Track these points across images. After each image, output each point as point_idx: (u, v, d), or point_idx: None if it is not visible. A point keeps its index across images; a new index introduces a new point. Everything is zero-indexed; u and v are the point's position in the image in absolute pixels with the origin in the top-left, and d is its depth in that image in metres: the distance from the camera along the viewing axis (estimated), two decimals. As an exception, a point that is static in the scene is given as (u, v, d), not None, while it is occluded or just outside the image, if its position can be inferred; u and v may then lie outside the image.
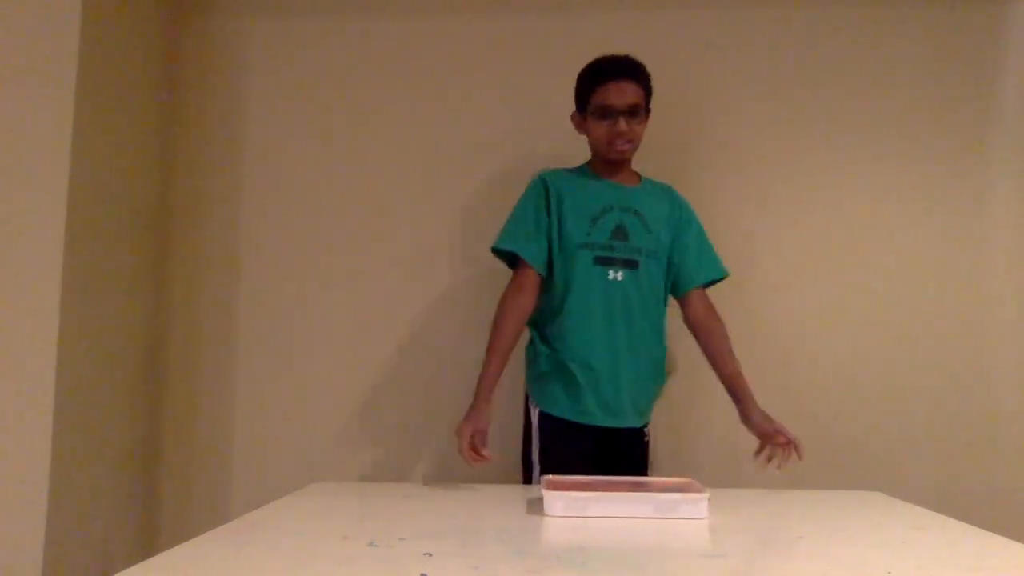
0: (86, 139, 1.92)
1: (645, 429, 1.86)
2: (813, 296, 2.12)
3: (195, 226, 2.29)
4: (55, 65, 1.87)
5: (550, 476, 1.47)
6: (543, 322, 1.84)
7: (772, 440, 1.68)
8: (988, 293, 2.15)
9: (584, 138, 1.86)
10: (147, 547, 2.18)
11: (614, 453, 1.80)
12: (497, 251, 1.87)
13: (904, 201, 2.19)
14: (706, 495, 1.32)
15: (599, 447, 1.80)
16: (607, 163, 1.84)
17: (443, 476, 2.18)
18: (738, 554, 1.11)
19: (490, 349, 1.76)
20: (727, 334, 1.84)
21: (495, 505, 1.46)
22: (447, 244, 2.25)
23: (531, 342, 1.88)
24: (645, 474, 1.84)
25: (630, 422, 1.80)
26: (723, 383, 1.81)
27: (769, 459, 1.69)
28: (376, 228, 2.26)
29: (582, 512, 1.31)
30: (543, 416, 1.80)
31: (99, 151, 1.98)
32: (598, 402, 1.77)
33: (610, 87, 1.75)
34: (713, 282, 1.90)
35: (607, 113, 1.75)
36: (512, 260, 1.85)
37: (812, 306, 2.13)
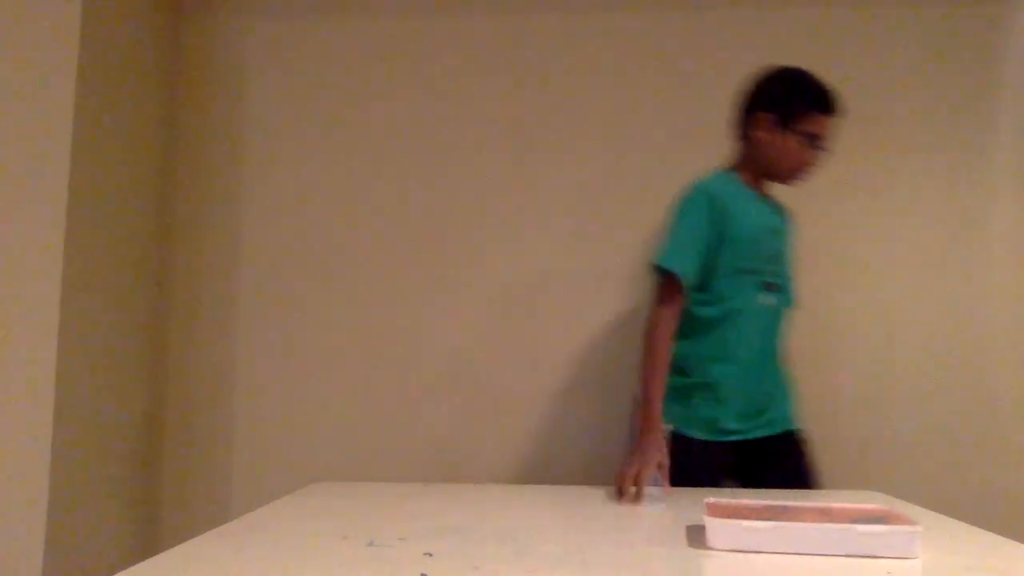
0: (86, 139, 1.92)
1: (798, 432, 1.81)
2: (812, 297, 2.12)
3: (195, 226, 2.29)
4: (55, 65, 1.87)
5: (712, 499, 1.21)
6: (691, 342, 1.76)
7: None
8: (988, 293, 2.15)
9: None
10: (147, 547, 2.18)
11: (769, 458, 1.77)
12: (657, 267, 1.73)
13: (904, 202, 2.19)
14: (918, 528, 1.06)
15: (742, 459, 1.77)
16: (767, 180, 1.78)
17: (443, 476, 2.18)
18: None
19: (655, 378, 1.64)
20: None
21: (495, 505, 1.46)
22: (446, 243, 2.25)
23: (671, 360, 1.78)
24: (808, 481, 1.77)
25: (767, 431, 1.77)
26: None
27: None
28: (375, 227, 2.26)
29: (753, 546, 1.07)
30: (676, 435, 1.71)
31: (99, 151, 1.98)
32: (738, 423, 1.74)
33: (826, 119, 1.71)
34: None
35: (814, 142, 1.71)
36: (664, 274, 1.70)
37: (811, 307, 2.13)
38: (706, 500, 1.20)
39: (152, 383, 2.23)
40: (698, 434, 1.73)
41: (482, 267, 2.24)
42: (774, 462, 1.80)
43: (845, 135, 2.20)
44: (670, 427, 1.75)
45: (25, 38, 1.88)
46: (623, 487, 1.51)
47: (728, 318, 1.72)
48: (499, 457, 2.18)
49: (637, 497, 1.49)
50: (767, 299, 1.74)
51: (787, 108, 1.71)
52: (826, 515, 1.18)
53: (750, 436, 1.76)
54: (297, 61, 2.31)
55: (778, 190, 1.83)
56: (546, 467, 2.17)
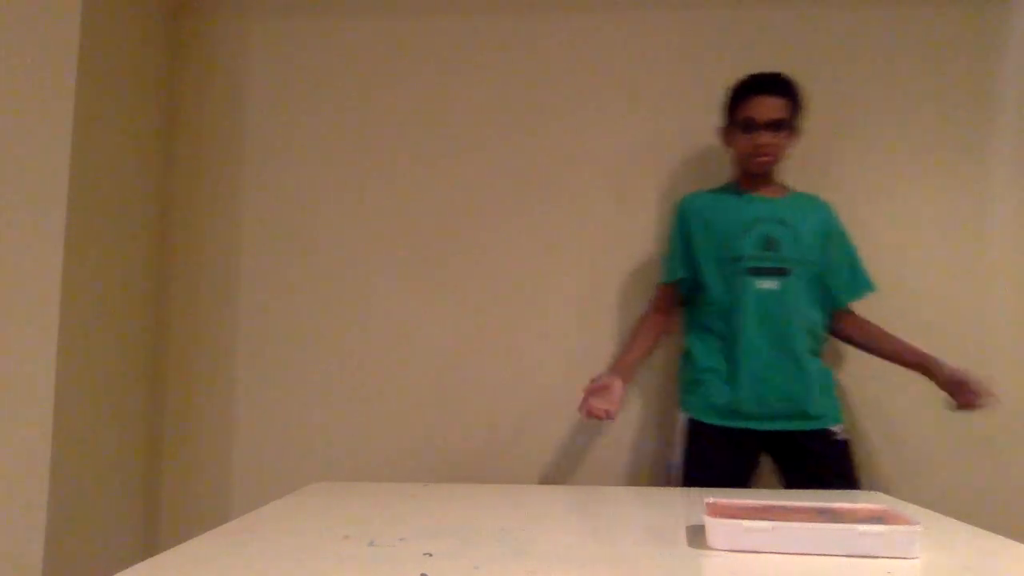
0: (86, 139, 1.92)
1: (833, 428, 1.84)
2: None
3: (195, 226, 2.29)
4: (55, 65, 1.88)
5: (712, 499, 1.23)
6: (701, 334, 1.92)
7: (967, 386, 1.73)
8: (988, 292, 2.15)
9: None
10: (147, 547, 2.18)
11: (798, 454, 1.83)
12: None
13: (903, 201, 2.19)
14: (918, 528, 1.06)
15: (768, 450, 1.86)
16: (750, 176, 1.91)
17: (443, 476, 2.18)
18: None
19: (629, 346, 1.97)
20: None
21: (495, 505, 1.46)
22: (447, 243, 2.25)
23: (686, 353, 1.96)
24: (851, 480, 1.81)
25: (793, 425, 1.81)
26: (903, 361, 1.88)
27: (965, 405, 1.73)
28: (376, 227, 2.26)
29: (753, 546, 1.07)
30: (691, 422, 1.88)
31: (99, 151, 1.98)
32: (750, 406, 1.81)
33: (755, 101, 1.82)
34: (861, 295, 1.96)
35: (750, 126, 1.83)
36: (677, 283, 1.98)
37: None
38: (706, 500, 1.21)
39: (152, 383, 2.23)
40: (710, 419, 1.85)
41: (483, 267, 2.24)
42: (811, 460, 1.83)
43: (845, 135, 2.21)
44: (687, 415, 1.90)
45: (25, 38, 1.88)
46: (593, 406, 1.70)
47: (723, 305, 1.86)
48: (499, 457, 2.18)
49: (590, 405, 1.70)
50: (766, 284, 1.81)
51: (726, 110, 1.91)
52: (826, 515, 1.17)
53: (775, 427, 1.81)
54: (297, 61, 2.31)
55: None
56: (546, 467, 2.17)
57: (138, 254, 2.17)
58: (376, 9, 2.32)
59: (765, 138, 1.82)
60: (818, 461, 1.82)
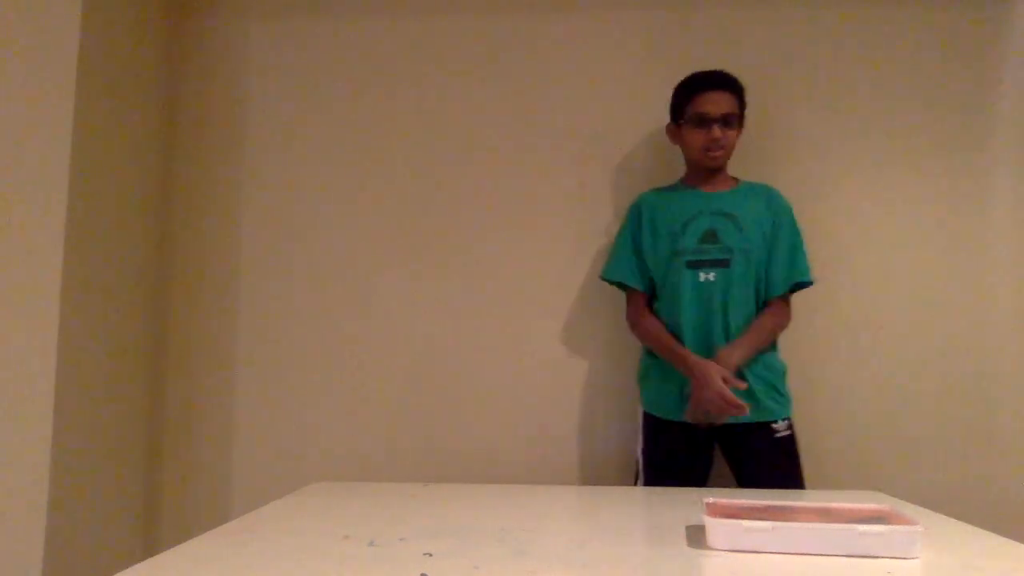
0: (86, 139, 1.92)
1: (774, 425, 1.83)
2: (812, 297, 2.11)
3: (195, 225, 2.29)
4: (55, 65, 1.87)
5: (712, 500, 1.22)
6: (650, 324, 1.94)
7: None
8: (988, 292, 2.15)
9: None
10: (147, 547, 2.18)
11: (739, 449, 1.85)
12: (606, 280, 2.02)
13: (903, 202, 2.19)
14: (918, 528, 1.06)
15: (719, 443, 1.88)
16: (701, 171, 1.94)
17: (443, 476, 2.18)
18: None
19: (659, 347, 1.89)
20: (772, 327, 1.89)
21: (495, 505, 1.46)
22: (447, 243, 2.25)
23: (644, 347, 1.99)
24: (791, 478, 1.81)
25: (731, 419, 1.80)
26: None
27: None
28: (376, 227, 2.26)
29: (753, 546, 1.06)
30: (645, 416, 1.92)
31: (99, 151, 1.98)
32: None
33: (706, 96, 1.86)
34: (799, 286, 1.93)
35: (703, 121, 1.86)
36: (621, 285, 2.00)
37: (811, 307, 2.13)
38: (706, 500, 1.21)
39: (152, 383, 2.23)
40: (658, 413, 1.88)
41: (484, 267, 2.24)
42: (749, 455, 1.83)
43: (844, 135, 2.21)
44: (641, 408, 1.94)
45: (25, 38, 1.88)
46: (719, 402, 1.69)
47: (666, 298, 1.90)
48: (499, 457, 2.18)
49: (731, 403, 1.68)
50: (704, 275, 1.84)
51: (674, 109, 1.95)
52: (826, 515, 1.17)
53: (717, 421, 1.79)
54: (297, 61, 2.31)
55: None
56: (546, 467, 2.17)
57: (138, 254, 2.17)
58: (376, 9, 2.32)
59: (718, 132, 1.85)
60: (757, 457, 1.82)
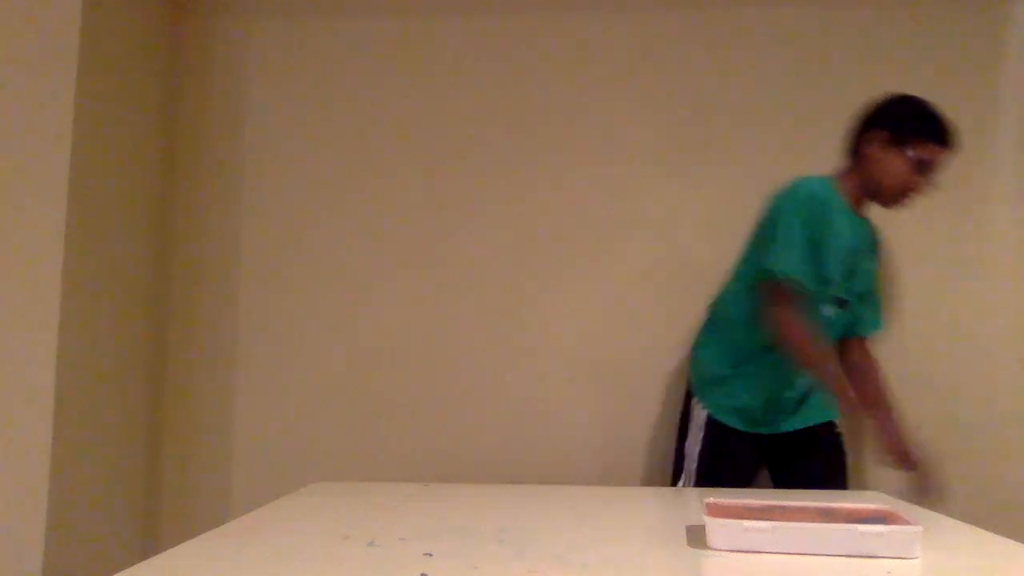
0: (86, 139, 1.92)
1: (835, 423, 1.89)
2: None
3: (195, 226, 2.29)
4: (55, 65, 1.87)
5: (712, 500, 1.21)
6: (751, 333, 1.80)
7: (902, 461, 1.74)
8: (988, 293, 2.15)
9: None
10: (147, 547, 2.18)
11: (805, 449, 1.87)
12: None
13: (904, 201, 2.19)
14: (918, 528, 1.06)
15: (775, 451, 1.88)
16: (872, 196, 1.79)
17: (443, 476, 2.18)
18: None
19: (824, 376, 1.72)
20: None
21: (495, 505, 1.46)
22: (447, 243, 2.25)
23: (710, 344, 1.92)
24: (837, 475, 1.85)
25: (803, 422, 1.86)
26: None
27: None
28: (376, 227, 2.26)
29: (753, 546, 1.06)
30: (712, 421, 1.85)
31: (99, 151, 1.98)
32: (773, 414, 1.84)
33: (939, 150, 1.72)
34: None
35: (923, 169, 1.72)
36: (777, 278, 1.73)
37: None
38: (706, 500, 1.20)
39: (152, 383, 2.23)
40: (734, 423, 1.83)
41: (484, 267, 2.24)
42: (804, 456, 1.86)
43: (842, 135, 2.20)
44: (707, 412, 1.86)
45: (25, 38, 1.88)
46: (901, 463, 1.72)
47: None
48: (499, 457, 2.18)
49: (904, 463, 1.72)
50: (829, 311, 1.79)
51: (903, 128, 1.72)
52: (826, 515, 1.17)
53: (782, 429, 1.83)
54: (297, 61, 2.31)
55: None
56: (547, 467, 2.17)
57: (138, 254, 2.17)
58: (376, 9, 2.32)
59: (926, 187, 1.74)
60: (827, 455, 1.87)
